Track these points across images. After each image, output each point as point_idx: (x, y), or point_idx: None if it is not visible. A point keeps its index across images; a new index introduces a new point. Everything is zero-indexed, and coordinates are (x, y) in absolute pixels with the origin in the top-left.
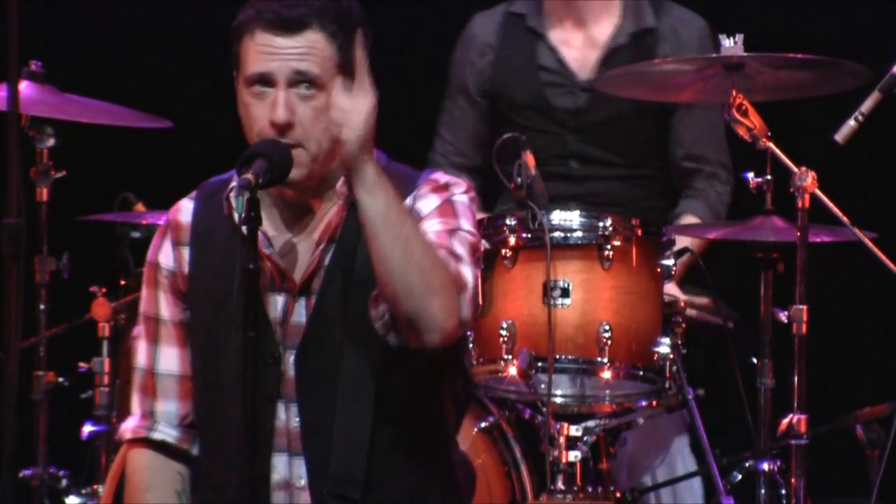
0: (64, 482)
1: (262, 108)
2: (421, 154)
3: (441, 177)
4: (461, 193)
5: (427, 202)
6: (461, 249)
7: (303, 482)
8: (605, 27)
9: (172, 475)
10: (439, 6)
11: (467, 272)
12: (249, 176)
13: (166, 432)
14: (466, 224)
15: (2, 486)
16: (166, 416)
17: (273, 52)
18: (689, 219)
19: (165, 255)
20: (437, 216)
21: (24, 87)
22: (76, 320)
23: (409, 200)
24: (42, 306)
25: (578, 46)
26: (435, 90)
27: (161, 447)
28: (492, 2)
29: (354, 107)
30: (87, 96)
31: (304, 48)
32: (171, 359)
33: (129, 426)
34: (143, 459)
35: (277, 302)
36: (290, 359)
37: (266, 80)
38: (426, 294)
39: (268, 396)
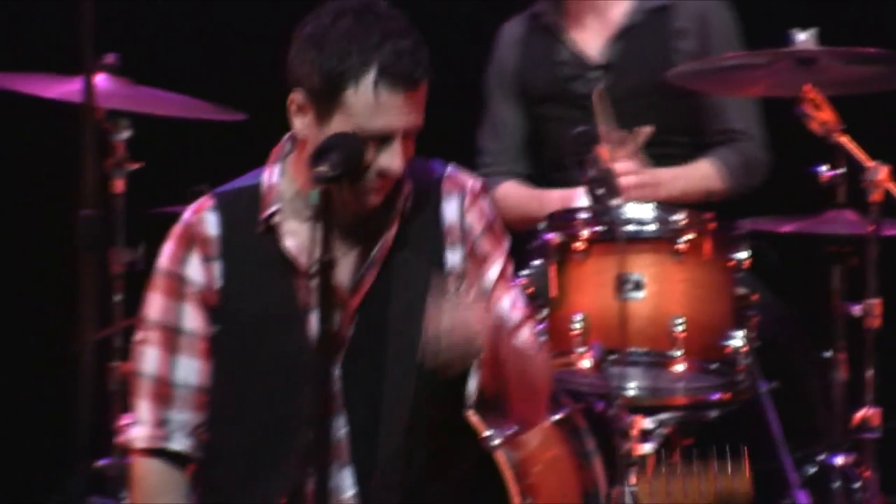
0: None
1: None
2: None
3: (462, 175)
4: (485, 193)
5: (477, 225)
6: (510, 272)
7: (349, 493)
8: (620, 7)
9: (182, 484)
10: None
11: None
12: (324, 168)
13: (182, 442)
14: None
15: (77, 477)
16: (181, 426)
17: (399, 111)
18: (701, 163)
19: (194, 269)
20: (499, 259)
21: (99, 79)
22: None
23: (451, 210)
24: (117, 298)
25: (593, 31)
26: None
27: (174, 457)
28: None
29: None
30: (162, 89)
31: (421, 99)
32: (190, 369)
33: (140, 434)
34: (155, 468)
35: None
36: (336, 372)
37: (385, 136)
38: (525, 399)
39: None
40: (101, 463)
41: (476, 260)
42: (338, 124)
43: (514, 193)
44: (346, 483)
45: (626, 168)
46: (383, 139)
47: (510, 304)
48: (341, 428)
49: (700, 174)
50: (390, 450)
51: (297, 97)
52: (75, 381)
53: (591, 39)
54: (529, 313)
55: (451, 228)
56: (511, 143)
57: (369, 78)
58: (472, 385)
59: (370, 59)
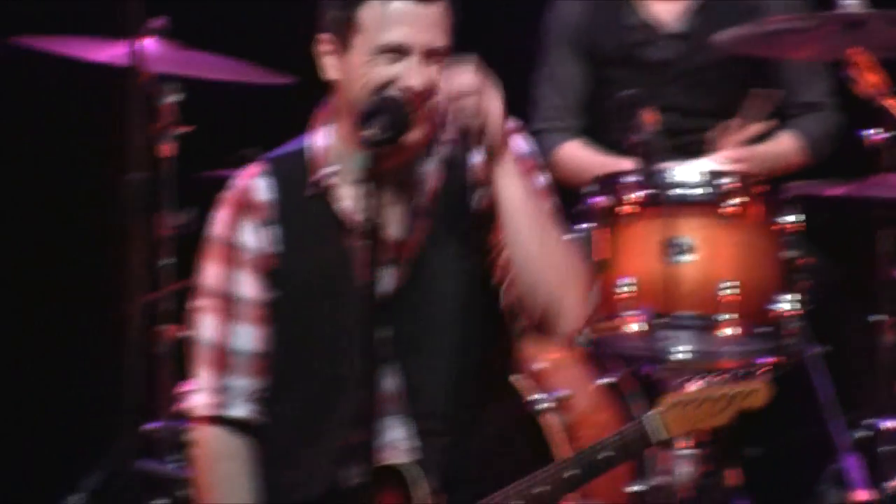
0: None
1: (390, 70)
2: None
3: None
4: (521, 132)
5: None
6: (546, 200)
7: (404, 444)
8: None
9: (243, 448)
10: None
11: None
12: (371, 132)
13: (241, 408)
14: (542, 177)
15: (126, 440)
16: (240, 392)
17: (411, 20)
18: (784, 138)
19: (249, 235)
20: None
21: (148, 43)
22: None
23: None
24: (166, 261)
25: None
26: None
27: (234, 423)
28: None
29: (494, 92)
30: (211, 52)
31: (436, 17)
32: (247, 336)
33: (200, 401)
34: (215, 434)
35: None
36: (388, 324)
37: (402, 49)
38: (563, 285)
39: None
40: (150, 426)
41: None
42: (358, 48)
43: (581, 156)
44: (399, 433)
45: (735, 155)
46: (401, 53)
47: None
48: (394, 379)
49: (784, 149)
50: (440, 400)
51: (323, 37)
52: (124, 345)
53: (666, 7)
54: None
55: (475, 170)
56: (573, 100)
57: None
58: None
59: None
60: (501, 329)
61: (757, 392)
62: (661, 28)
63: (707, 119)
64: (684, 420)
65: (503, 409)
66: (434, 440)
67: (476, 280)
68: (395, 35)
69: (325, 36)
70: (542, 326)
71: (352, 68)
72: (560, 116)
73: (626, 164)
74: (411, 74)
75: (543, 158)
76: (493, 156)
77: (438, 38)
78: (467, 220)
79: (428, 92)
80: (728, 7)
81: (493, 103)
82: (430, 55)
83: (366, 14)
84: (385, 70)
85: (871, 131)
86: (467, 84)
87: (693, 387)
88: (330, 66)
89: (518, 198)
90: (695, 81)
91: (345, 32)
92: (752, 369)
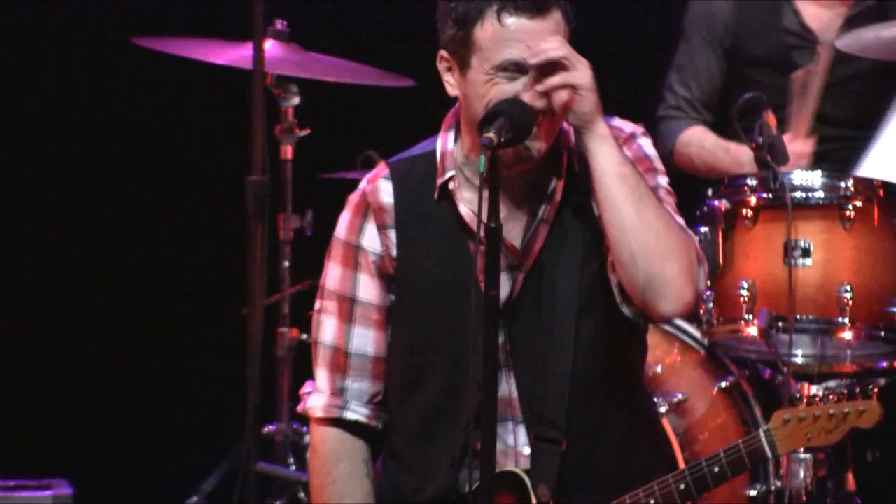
0: (307, 438)
1: (513, 87)
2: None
3: (621, 123)
4: (644, 137)
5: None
6: (669, 198)
7: (525, 451)
8: None
9: (360, 449)
10: None
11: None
12: (492, 134)
13: (358, 411)
14: (664, 179)
15: (247, 441)
16: (357, 395)
17: (525, 38)
18: None
19: (370, 238)
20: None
21: (269, 45)
22: (320, 277)
23: None
24: (286, 263)
25: (822, 6)
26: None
27: (351, 425)
28: None
29: (582, 64)
30: (330, 55)
31: (553, 30)
32: (365, 339)
33: (318, 403)
34: (333, 435)
35: (502, 277)
36: (505, 331)
37: (522, 66)
38: (663, 256)
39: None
40: (269, 428)
41: None
42: (476, 68)
43: (702, 137)
44: (520, 440)
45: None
46: (519, 71)
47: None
48: (512, 386)
49: None
50: (555, 401)
51: (442, 55)
52: (245, 347)
53: (819, 12)
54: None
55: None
56: (708, 94)
57: (492, 8)
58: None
59: None
60: (625, 335)
61: (869, 411)
62: (815, 34)
63: (847, 128)
64: (797, 437)
65: (628, 413)
66: (550, 447)
67: (597, 286)
68: (512, 53)
69: (443, 53)
70: (647, 305)
71: (471, 86)
72: (689, 107)
73: (745, 150)
74: (531, 92)
75: (666, 145)
76: (585, 126)
77: None
78: (587, 225)
79: (549, 106)
80: (875, 19)
81: (582, 74)
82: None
83: (482, 33)
84: (505, 87)
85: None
86: (554, 54)
87: (807, 403)
88: (450, 83)
89: (612, 164)
90: (839, 91)
91: (462, 51)
92: (867, 387)
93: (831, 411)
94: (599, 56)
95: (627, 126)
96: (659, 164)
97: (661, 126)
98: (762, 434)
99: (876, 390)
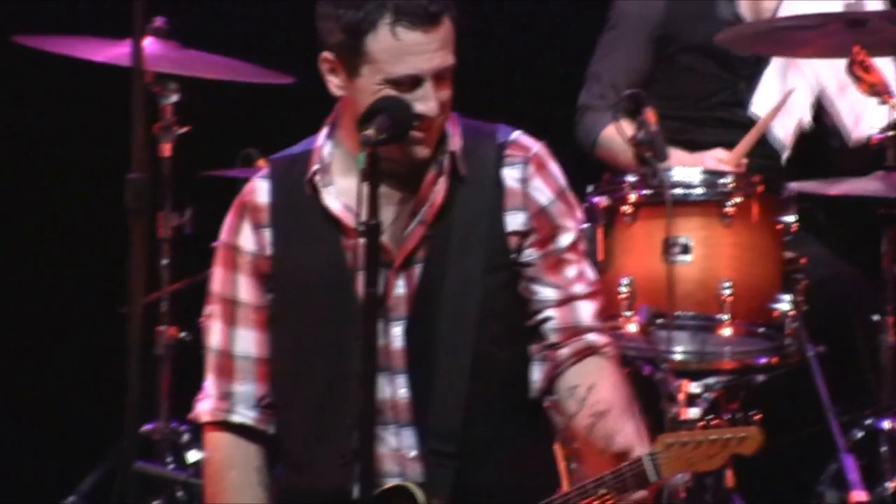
0: (185, 437)
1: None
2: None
3: (527, 141)
4: (552, 159)
5: (544, 190)
6: (584, 245)
7: (413, 453)
8: None
9: (252, 455)
10: None
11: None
12: (371, 131)
13: (245, 414)
14: (577, 206)
15: (126, 440)
16: (244, 398)
17: (422, 51)
18: None
19: (246, 238)
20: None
21: (148, 42)
22: (199, 275)
23: (514, 176)
24: (165, 261)
25: None
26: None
27: (240, 429)
28: None
29: None
30: (210, 52)
31: (444, 39)
32: (248, 341)
33: (205, 408)
34: (222, 440)
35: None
36: (394, 331)
37: (415, 80)
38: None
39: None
40: (148, 427)
41: (546, 226)
42: (367, 76)
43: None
44: (405, 443)
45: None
46: (413, 83)
47: (576, 274)
48: (403, 388)
49: None
50: (450, 413)
51: (327, 57)
52: (123, 345)
53: (754, 4)
54: (597, 289)
55: (512, 193)
56: (635, 83)
57: (385, 20)
58: (535, 375)
59: (384, 2)
60: (522, 349)
61: (750, 438)
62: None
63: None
64: (681, 461)
65: (527, 429)
66: (444, 461)
67: (499, 302)
68: (406, 68)
69: (328, 56)
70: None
71: (360, 92)
72: (615, 97)
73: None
74: (425, 102)
75: (589, 136)
76: None
77: (447, 59)
78: (469, 231)
79: (441, 115)
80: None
81: None
82: (441, 76)
83: (375, 45)
84: (393, 93)
85: (875, 130)
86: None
87: (689, 429)
88: (334, 83)
89: None
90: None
91: (352, 59)
92: (747, 383)
93: (713, 437)
94: (516, 45)
95: (533, 144)
96: (572, 194)
97: (585, 117)
98: (646, 459)
99: (758, 417)
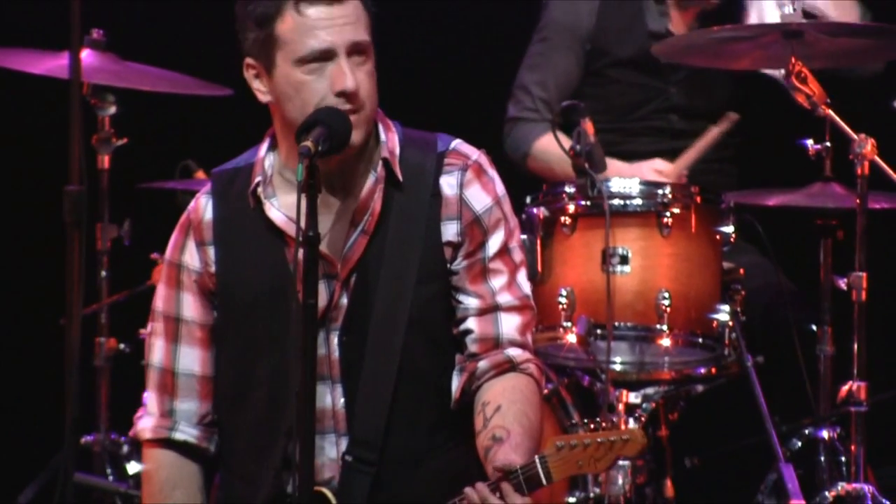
0: (125, 448)
1: (321, 82)
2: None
3: (466, 149)
4: (491, 167)
5: (480, 198)
6: (518, 257)
7: (347, 460)
8: None
9: (194, 473)
10: None
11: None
12: (309, 143)
13: (187, 432)
14: (513, 218)
15: (65, 452)
16: (187, 416)
17: (329, 24)
18: None
19: (189, 256)
20: (500, 225)
21: (85, 55)
22: (137, 287)
23: (450, 184)
24: (103, 273)
25: (682, 6)
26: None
27: (182, 447)
28: None
29: None
30: (148, 64)
31: (353, 15)
32: (191, 359)
33: (147, 425)
34: (166, 458)
35: (319, 286)
36: (335, 341)
37: (326, 54)
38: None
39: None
40: (87, 439)
41: (477, 235)
42: (281, 64)
43: (556, 149)
44: (342, 451)
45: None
46: (325, 58)
47: (504, 283)
48: (340, 397)
49: None
50: (372, 421)
51: (248, 62)
52: (62, 357)
53: (681, 17)
54: (527, 302)
55: (448, 201)
56: (565, 95)
57: (290, 2)
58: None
59: None
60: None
61: (632, 441)
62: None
63: (704, 122)
64: (569, 464)
65: (453, 439)
66: (362, 468)
67: (430, 312)
68: (315, 42)
69: (249, 60)
70: None
71: (280, 86)
72: (546, 108)
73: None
74: (341, 76)
75: (520, 148)
76: None
77: (360, 33)
78: (407, 238)
79: (362, 90)
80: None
81: None
82: (355, 51)
83: (283, 27)
84: (316, 84)
85: (811, 141)
86: None
87: (578, 432)
88: (260, 91)
89: None
90: (700, 85)
91: (266, 51)
92: (686, 394)
93: (599, 440)
94: (443, 56)
95: (472, 153)
96: (509, 203)
97: (516, 128)
98: (538, 461)
99: (643, 419)
